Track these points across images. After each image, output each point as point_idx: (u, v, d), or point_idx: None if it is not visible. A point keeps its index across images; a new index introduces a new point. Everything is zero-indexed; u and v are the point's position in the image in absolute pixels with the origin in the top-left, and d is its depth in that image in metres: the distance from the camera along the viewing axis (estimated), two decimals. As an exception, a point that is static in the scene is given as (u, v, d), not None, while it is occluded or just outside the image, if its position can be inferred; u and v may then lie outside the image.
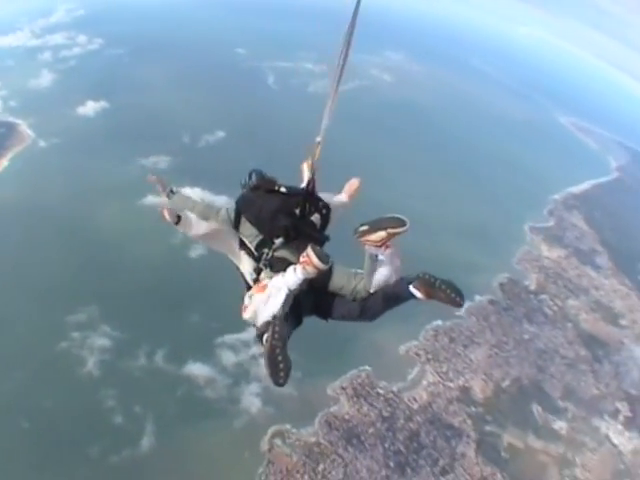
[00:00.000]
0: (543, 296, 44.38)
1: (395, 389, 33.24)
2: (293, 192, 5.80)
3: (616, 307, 47.91)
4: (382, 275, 5.28)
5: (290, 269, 5.20)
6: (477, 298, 40.33)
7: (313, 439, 29.48)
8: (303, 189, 5.81)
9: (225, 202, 5.93)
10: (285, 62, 70.11)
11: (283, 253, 5.57)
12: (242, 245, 5.83)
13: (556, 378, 38.41)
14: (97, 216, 39.46)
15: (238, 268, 6.00)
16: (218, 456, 27.29)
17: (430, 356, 35.78)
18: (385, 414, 31.87)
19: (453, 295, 5.01)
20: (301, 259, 5.10)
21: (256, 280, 5.65)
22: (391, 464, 29.81)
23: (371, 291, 5.37)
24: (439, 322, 37.36)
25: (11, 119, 50.83)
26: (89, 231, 38.22)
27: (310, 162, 5.72)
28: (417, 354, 35.67)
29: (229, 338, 32.75)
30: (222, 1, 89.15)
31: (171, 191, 6.05)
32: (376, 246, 5.12)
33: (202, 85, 58.43)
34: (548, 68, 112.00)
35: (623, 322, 46.71)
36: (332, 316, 5.61)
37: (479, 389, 35.15)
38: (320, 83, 64.98)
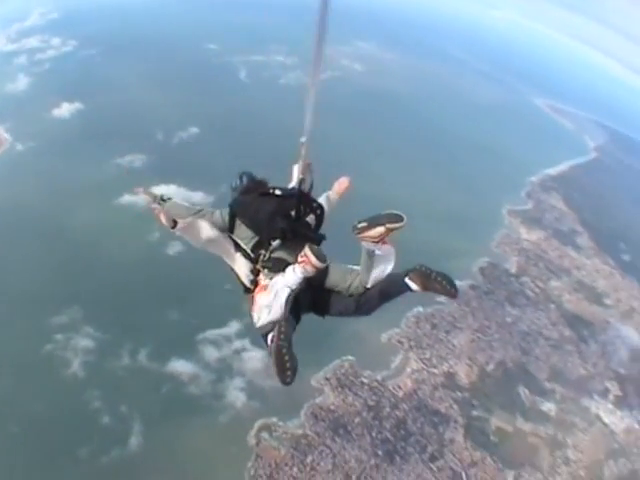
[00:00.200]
0: (524, 278, 45.76)
1: (379, 378, 34.24)
2: (287, 194, 6.02)
3: (599, 287, 49.41)
4: (379, 270, 5.57)
5: (289, 269, 5.50)
6: (457, 283, 41.12)
7: (300, 431, 30.41)
8: (297, 190, 6.01)
9: (205, 203, 6.40)
10: (256, 56, 71.53)
11: (280, 254, 5.83)
12: (237, 247, 6.04)
13: (541, 360, 39.63)
14: (75, 216, 40.25)
15: (233, 270, 6.17)
16: (206, 452, 28.09)
17: (413, 343, 36.78)
18: (370, 403, 32.84)
19: (448, 286, 5.41)
20: (299, 259, 5.40)
21: (253, 281, 5.93)
22: (379, 453, 30.81)
23: (368, 286, 5.66)
24: (420, 309, 38.39)
25: (-11, 124, 52.08)
26: (67, 232, 39.00)
27: (301, 164, 5.87)
28: (399, 342, 36.64)
29: (210, 334, 33.78)
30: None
31: (162, 199, 6.23)
32: (374, 242, 5.40)
33: (175, 82, 59.64)
34: (522, 51, 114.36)
35: (607, 301, 48.22)
36: (329, 312, 5.91)
37: (464, 374, 36.30)
38: (292, 75, 67.43)
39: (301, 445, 29.95)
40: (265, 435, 29.83)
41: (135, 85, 57.67)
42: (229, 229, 6.07)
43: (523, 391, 37.11)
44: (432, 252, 36.49)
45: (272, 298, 5.41)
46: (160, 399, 30.24)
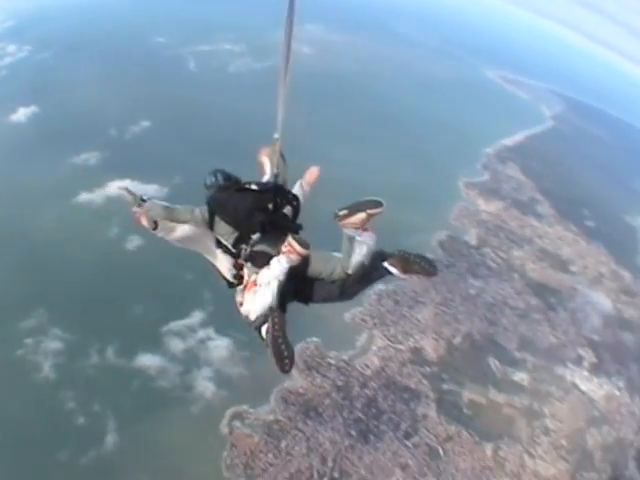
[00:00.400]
0: (485, 249, 47.57)
1: (346, 357, 35.39)
2: (264, 188, 6.32)
3: (564, 254, 51.56)
4: (360, 256, 5.89)
5: (274, 260, 5.78)
6: (417, 259, 42.70)
7: (271, 417, 31.41)
8: (273, 184, 6.40)
9: (184, 202, 6.49)
10: (204, 46, 73.82)
11: (262, 247, 6.15)
12: (218, 244, 6.33)
13: (509, 330, 41.11)
14: (34, 218, 40.96)
15: (214, 266, 6.48)
16: (181, 445, 28.98)
17: (376, 321, 38.02)
18: (339, 383, 33.96)
19: (427, 266, 5.86)
20: (283, 249, 5.72)
21: (237, 276, 6.27)
22: (353, 433, 31.89)
23: (349, 272, 5.99)
24: (381, 286, 39.26)
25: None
26: (27, 234, 39.64)
27: (274, 159, 6.34)
28: (363, 320, 37.87)
29: (174, 325, 34.77)
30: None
31: (142, 199, 6.31)
32: (355, 228, 5.80)
33: (126, 78, 61.04)
34: (472, 24, 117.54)
35: (573, 268, 50.24)
36: (313, 300, 6.32)
37: (431, 348, 37.58)
38: (240, 62, 70.77)
39: (274, 431, 30.87)
40: (237, 423, 30.73)
41: (88, 84, 58.95)
42: (209, 226, 6.32)
43: (493, 362, 38.34)
44: (390, 229, 36.98)
45: (262, 292, 5.71)
46: (131, 395, 31.04)
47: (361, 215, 5.71)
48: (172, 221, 6.16)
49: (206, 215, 6.31)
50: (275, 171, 6.39)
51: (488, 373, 37.80)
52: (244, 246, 6.17)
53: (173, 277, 36.51)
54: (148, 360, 32.88)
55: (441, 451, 32.69)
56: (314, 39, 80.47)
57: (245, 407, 31.57)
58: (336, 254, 6.09)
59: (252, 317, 5.78)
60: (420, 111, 66.57)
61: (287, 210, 6.45)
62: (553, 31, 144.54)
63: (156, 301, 35.63)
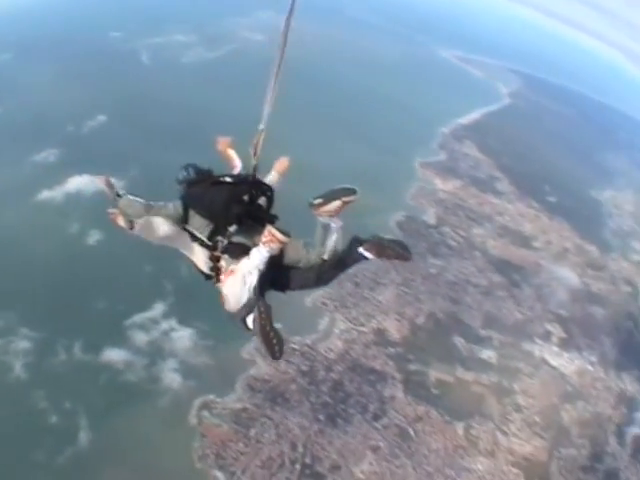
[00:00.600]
0: (444, 228, 49.39)
1: (309, 342, 36.69)
2: (239, 181, 6.54)
3: (526, 230, 53.81)
4: (336, 242, 6.17)
5: (254, 251, 6.02)
6: (375, 240, 44.03)
7: (239, 405, 32.65)
8: (247, 176, 6.61)
9: (158, 198, 6.64)
10: (157, 38, 75.35)
11: (238, 239, 6.33)
12: (193, 237, 6.45)
13: (473, 308, 42.84)
14: None
15: (190, 260, 6.64)
16: (153, 438, 30.20)
17: (337, 304, 39.36)
18: (304, 368, 35.25)
19: (402, 251, 6.15)
20: (264, 239, 5.95)
21: (213, 268, 6.43)
22: (321, 417, 33.22)
23: (325, 258, 6.23)
24: None
25: None
26: None
27: (253, 149, 6.51)
28: (324, 303, 39.21)
29: (137, 318, 35.97)
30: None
31: (117, 195, 6.43)
32: (330, 216, 6.05)
33: (82, 74, 62.06)
34: (425, 5, 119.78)
35: (536, 244, 52.53)
36: (290, 287, 6.56)
37: (394, 329, 39.01)
38: (192, 53, 72.73)
39: (242, 419, 32.09)
40: (206, 413, 31.96)
41: (45, 83, 59.82)
42: (183, 220, 6.45)
43: (459, 340, 39.99)
44: (346, 212, 38.89)
45: (243, 282, 5.96)
46: (99, 390, 32.11)
47: (336, 203, 5.99)
48: (147, 217, 6.30)
49: (180, 210, 6.45)
50: (254, 163, 6.58)
51: (454, 352, 39.29)
52: (220, 238, 6.34)
53: (133, 269, 37.97)
54: (114, 354, 33.99)
55: (412, 432, 34.04)
56: (266, 26, 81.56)
57: (212, 397, 32.78)
58: (310, 241, 6.34)
59: (234, 308, 6.07)
60: (375, 93, 68.49)
61: (262, 201, 6.67)
62: (507, 9, 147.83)
63: (118, 294, 36.80)
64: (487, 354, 40.03)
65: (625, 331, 46.85)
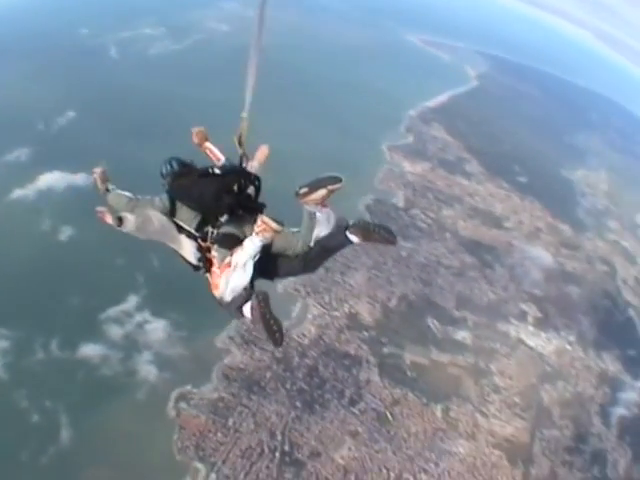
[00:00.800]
0: (414, 211, 50.08)
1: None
2: (227, 171, 6.69)
3: (497, 211, 54.64)
4: (320, 229, 6.25)
5: (248, 241, 6.11)
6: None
7: (215, 395, 33.04)
8: (235, 167, 6.76)
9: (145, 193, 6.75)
10: (125, 32, 75.90)
11: (229, 229, 6.46)
12: (180, 230, 6.60)
13: (445, 289, 43.53)
14: None
15: (178, 252, 6.73)
16: (132, 433, 30.46)
17: (309, 289, 39.78)
18: (278, 355, 35.62)
19: (387, 235, 6.23)
20: (257, 228, 6.04)
21: (202, 259, 6.58)
22: (298, 404, 33.69)
23: (311, 245, 6.34)
24: None
25: None
26: None
27: (238, 138, 6.63)
28: (296, 290, 39.60)
29: (111, 311, 36.28)
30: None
31: (107, 189, 6.72)
32: (316, 204, 6.11)
33: (51, 71, 61.97)
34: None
35: (508, 224, 53.41)
36: (278, 275, 6.65)
37: (367, 313, 39.58)
38: (159, 45, 73.55)
39: (219, 409, 32.52)
40: (183, 405, 32.36)
41: (15, 82, 59.56)
42: (170, 213, 6.61)
43: (432, 322, 40.62)
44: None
45: (238, 272, 6.04)
46: (78, 387, 32.41)
47: (322, 192, 6.01)
48: (145, 212, 6.46)
49: (167, 203, 6.60)
50: (241, 152, 6.71)
51: (428, 334, 39.93)
52: (210, 229, 6.48)
53: (105, 263, 38.24)
54: (90, 350, 34.25)
55: (389, 415, 34.64)
56: (230, 16, 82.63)
57: (189, 387, 33.21)
58: (295, 229, 6.43)
59: (229, 298, 6.11)
60: (341, 78, 69.23)
61: (250, 190, 6.80)
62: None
63: (92, 289, 37.04)
64: (462, 335, 40.72)
65: (603, 310, 47.81)
